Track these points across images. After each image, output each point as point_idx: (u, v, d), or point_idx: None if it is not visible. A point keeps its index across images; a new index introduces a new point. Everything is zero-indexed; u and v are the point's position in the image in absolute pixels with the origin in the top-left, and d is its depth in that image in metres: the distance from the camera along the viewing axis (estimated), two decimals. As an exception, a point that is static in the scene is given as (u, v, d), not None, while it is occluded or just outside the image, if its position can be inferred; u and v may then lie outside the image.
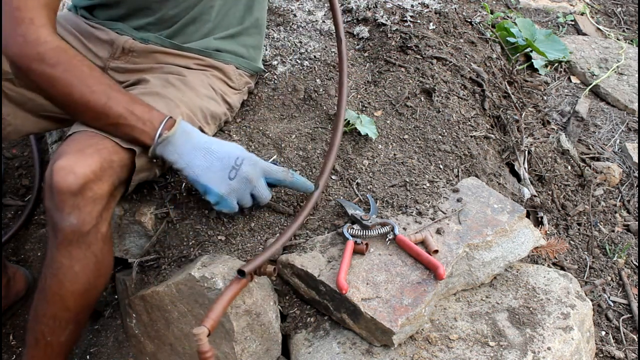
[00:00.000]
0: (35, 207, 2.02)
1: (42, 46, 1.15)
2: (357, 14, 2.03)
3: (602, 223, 1.98)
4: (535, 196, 1.85)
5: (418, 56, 1.83)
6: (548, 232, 1.79)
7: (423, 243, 1.33)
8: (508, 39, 2.36)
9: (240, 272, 1.18)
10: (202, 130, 1.42)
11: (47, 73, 1.16)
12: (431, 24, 1.99)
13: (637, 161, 2.16)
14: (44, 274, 1.25)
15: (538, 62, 2.48)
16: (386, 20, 1.95)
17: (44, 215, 2.01)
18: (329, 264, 1.30)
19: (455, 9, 2.17)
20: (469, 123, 1.74)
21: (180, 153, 1.21)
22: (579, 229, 1.92)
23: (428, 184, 1.51)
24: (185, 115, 1.35)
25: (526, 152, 1.94)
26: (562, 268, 1.74)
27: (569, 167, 2.07)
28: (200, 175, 1.22)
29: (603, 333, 1.67)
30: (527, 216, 1.70)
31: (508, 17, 2.64)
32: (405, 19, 1.97)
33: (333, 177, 1.52)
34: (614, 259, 1.87)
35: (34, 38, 1.15)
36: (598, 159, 2.18)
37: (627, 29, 3.03)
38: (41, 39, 1.15)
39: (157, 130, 1.20)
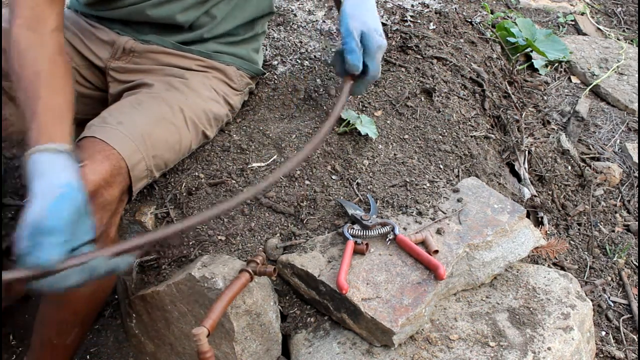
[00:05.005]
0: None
1: (6, 36, 1.15)
2: (357, 14, 2.03)
3: (602, 223, 1.98)
4: (535, 196, 1.85)
5: (418, 56, 1.83)
6: (548, 232, 1.79)
7: (423, 243, 1.33)
8: (508, 39, 2.36)
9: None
10: (205, 133, 1.43)
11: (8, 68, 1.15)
12: (431, 23, 1.99)
13: (637, 161, 2.16)
14: None
15: (538, 62, 2.48)
16: (386, 20, 1.95)
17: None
18: (329, 264, 1.30)
19: (455, 9, 2.17)
20: (469, 123, 1.74)
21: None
22: (579, 229, 1.92)
23: (428, 184, 1.51)
24: (189, 118, 1.35)
25: (526, 152, 1.94)
26: (563, 268, 1.74)
27: (569, 167, 2.07)
28: None
29: (603, 333, 1.67)
30: (527, 216, 1.70)
31: (508, 17, 2.64)
32: (405, 18, 1.97)
33: (333, 177, 1.52)
34: (614, 259, 1.87)
35: (7, 28, 1.15)
36: (598, 159, 2.18)
37: (627, 29, 3.02)
38: (9, 29, 1.14)
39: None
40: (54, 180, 0.96)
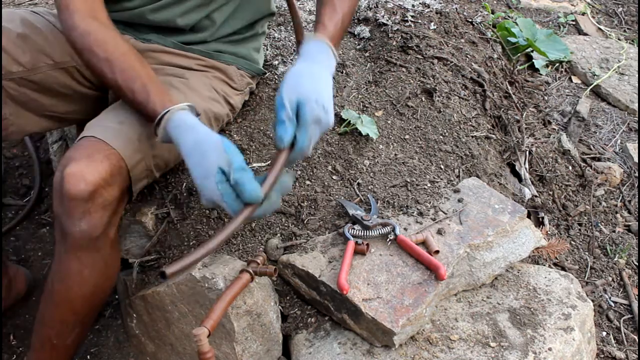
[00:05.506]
0: (35, 207, 2.03)
1: (73, 32, 1.19)
2: (358, 14, 2.03)
3: (603, 223, 1.98)
4: (536, 196, 1.85)
5: (419, 56, 1.83)
6: (549, 232, 1.79)
7: (424, 243, 1.33)
8: (509, 39, 2.36)
9: (162, 274, 1.02)
10: None
11: (81, 58, 1.21)
12: (432, 24, 1.99)
13: (637, 161, 2.16)
14: (51, 278, 1.25)
15: (539, 62, 2.48)
16: (387, 20, 1.95)
17: (45, 215, 2.01)
18: (329, 265, 1.30)
19: (456, 9, 2.17)
20: (470, 123, 1.74)
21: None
22: (579, 230, 1.92)
23: (429, 184, 1.51)
24: None
25: (527, 152, 1.94)
26: (563, 268, 1.74)
27: (570, 168, 2.07)
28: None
29: (604, 333, 1.67)
30: (528, 216, 1.70)
31: (509, 17, 2.64)
32: (406, 18, 1.96)
33: (334, 177, 1.52)
34: (615, 259, 1.86)
35: (69, 24, 1.19)
36: (599, 159, 2.17)
37: (628, 29, 3.02)
38: (73, 25, 1.19)
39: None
40: (204, 130, 1.07)
